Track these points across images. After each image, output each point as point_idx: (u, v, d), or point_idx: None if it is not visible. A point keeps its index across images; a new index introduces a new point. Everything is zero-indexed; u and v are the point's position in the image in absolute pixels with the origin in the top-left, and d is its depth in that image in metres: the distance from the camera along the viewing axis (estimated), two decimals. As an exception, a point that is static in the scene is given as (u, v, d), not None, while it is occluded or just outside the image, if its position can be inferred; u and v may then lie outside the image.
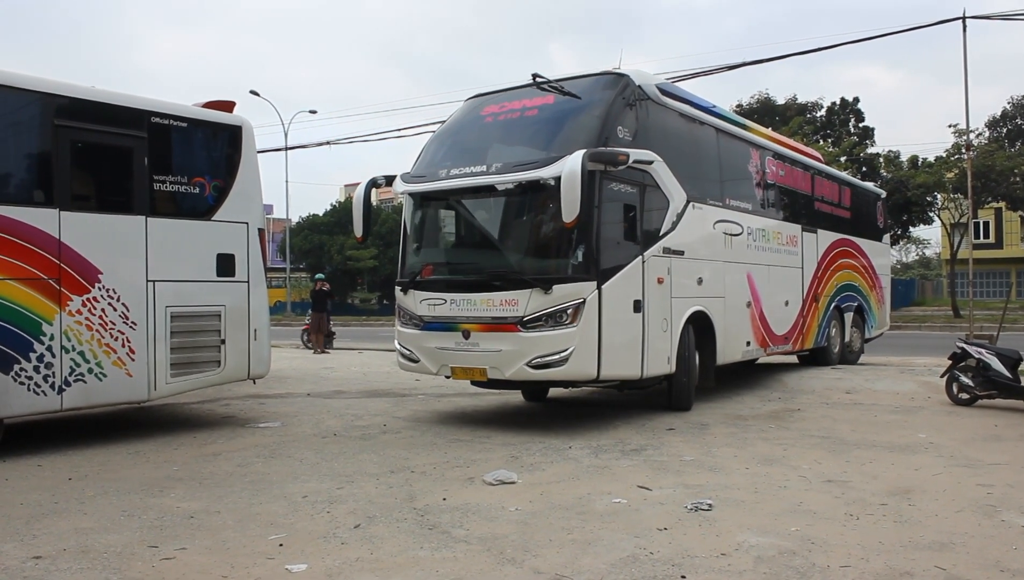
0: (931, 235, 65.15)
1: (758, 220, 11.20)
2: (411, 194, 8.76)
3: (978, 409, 9.60)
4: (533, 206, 8.12)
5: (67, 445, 7.35)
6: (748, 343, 10.78)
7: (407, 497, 5.48)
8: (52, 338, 6.91)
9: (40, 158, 7.04)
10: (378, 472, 6.26)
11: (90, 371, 7.19)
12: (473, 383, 8.48)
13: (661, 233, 8.82)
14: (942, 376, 10.35)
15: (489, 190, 8.12)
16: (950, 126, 41.98)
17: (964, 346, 10.01)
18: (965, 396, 9.89)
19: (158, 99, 7.95)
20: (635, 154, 8.20)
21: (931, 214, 35.90)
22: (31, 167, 7.04)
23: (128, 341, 7.47)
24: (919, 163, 35.09)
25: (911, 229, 39.00)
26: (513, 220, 8.39)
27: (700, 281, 9.54)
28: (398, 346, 8.88)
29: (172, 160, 7.87)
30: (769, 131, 12.21)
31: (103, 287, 7.27)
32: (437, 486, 5.79)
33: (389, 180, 9.00)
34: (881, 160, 37.02)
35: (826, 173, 14.47)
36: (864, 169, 36.19)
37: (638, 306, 8.26)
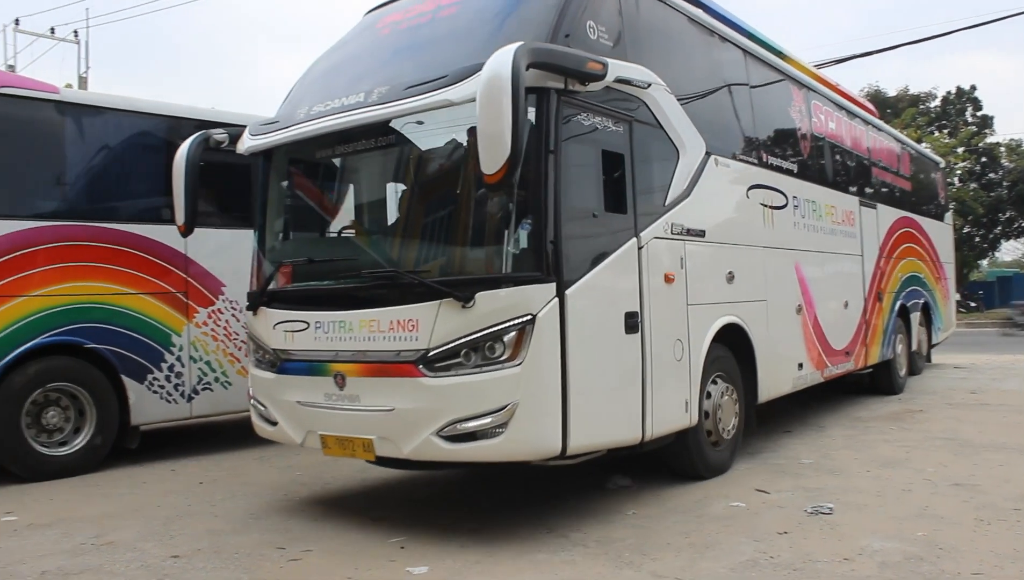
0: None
1: (806, 187, 7.82)
2: (254, 154, 5.45)
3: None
4: (440, 158, 4.79)
5: (198, 451, 7.62)
6: (800, 366, 7.40)
7: (524, 501, 5.46)
8: (181, 349, 7.32)
9: (168, 177, 6.57)
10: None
11: (216, 380, 7.57)
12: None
13: (667, 201, 5.47)
14: None
15: (368, 134, 4.83)
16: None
17: None
18: None
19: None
20: (618, 68, 4.87)
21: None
22: (159, 187, 7.04)
23: None
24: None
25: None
26: (408, 183, 5.03)
27: (731, 277, 6.18)
28: (251, 400, 5.55)
29: None
30: (811, 66, 8.84)
31: (226, 299, 7.64)
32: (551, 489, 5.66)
33: (235, 136, 5.67)
34: (1003, 149, 35.00)
35: (885, 131, 11.08)
36: (984, 159, 34.80)
37: (633, 323, 4.91)
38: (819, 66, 14.15)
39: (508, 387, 4.20)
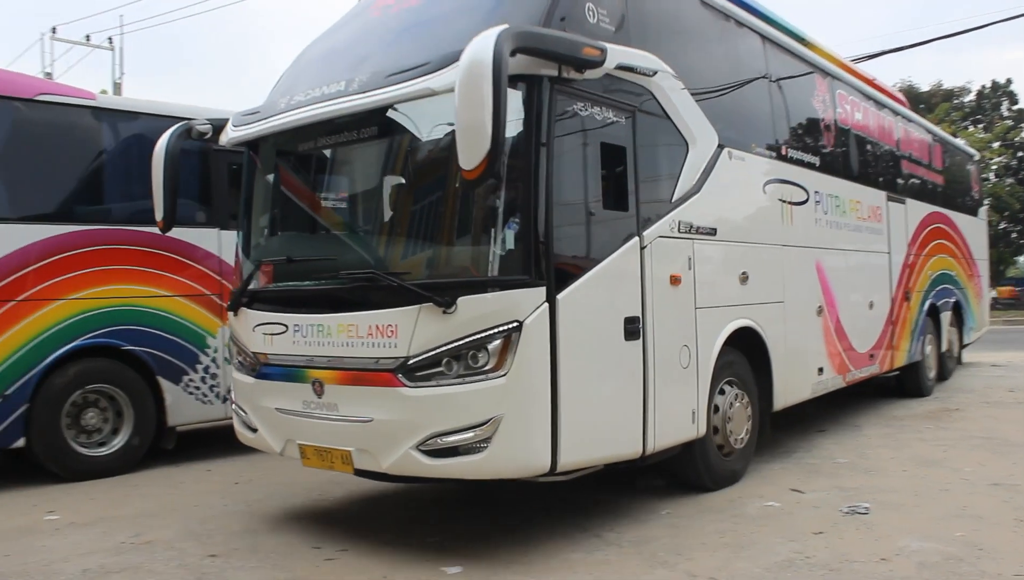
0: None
1: (829, 182, 7.39)
2: (236, 146, 5.16)
3: None
4: (424, 151, 4.46)
5: (233, 452, 7.24)
6: (821, 370, 7.00)
7: (558, 499, 5.35)
8: (216, 350, 7.30)
9: (201, 181, 7.35)
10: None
11: None
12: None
13: (675, 197, 5.11)
14: None
15: (348, 125, 4.52)
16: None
17: None
18: None
19: None
20: (619, 54, 4.52)
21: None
22: (194, 190, 7.22)
23: None
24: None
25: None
26: (390, 179, 4.70)
27: (744, 278, 5.81)
28: (232, 406, 5.28)
29: None
30: (835, 53, 8.38)
31: None
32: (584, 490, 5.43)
33: (219, 126, 5.37)
34: None
35: (916, 122, 10.58)
36: (1020, 154, 34.31)
37: (634, 329, 4.56)
38: (853, 62, 13.65)
39: (492, 399, 3.88)
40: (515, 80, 3.91)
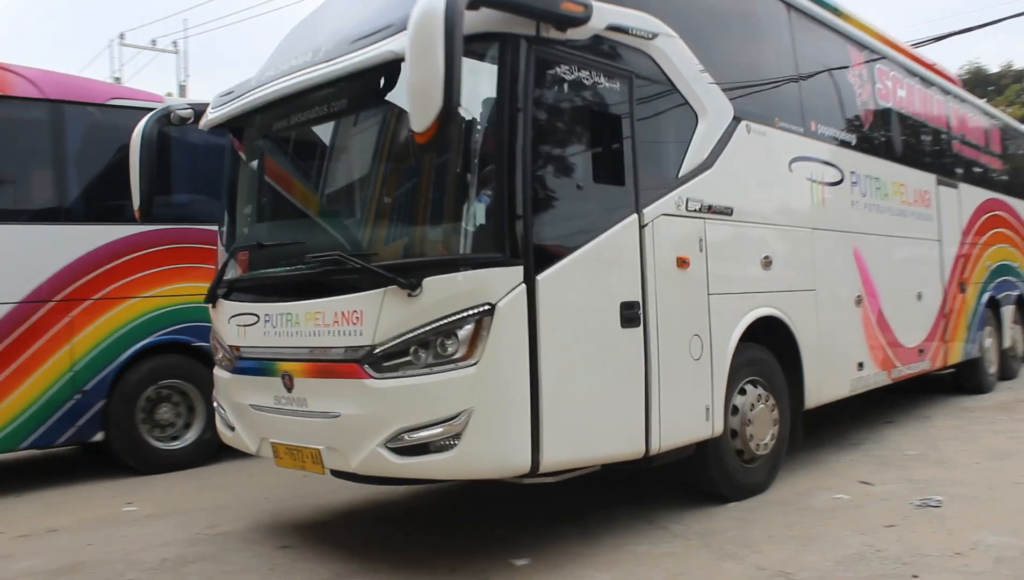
0: None
1: (867, 162, 6.83)
2: (212, 129, 4.88)
3: None
4: (390, 121, 4.08)
5: None
6: (861, 365, 6.42)
7: (624, 491, 5.37)
8: None
9: None
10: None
11: None
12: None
13: (682, 173, 4.66)
14: None
15: (315, 100, 4.20)
16: None
17: None
18: None
19: None
20: (609, 13, 4.11)
21: None
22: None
23: None
24: None
25: None
26: (357, 153, 4.37)
27: (768, 262, 5.32)
28: (214, 403, 5.01)
29: None
30: (877, 27, 7.79)
31: None
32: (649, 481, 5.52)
33: (200, 111, 5.11)
34: None
35: (971, 103, 9.87)
36: None
37: (632, 315, 4.13)
38: (916, 45, 12.89)
39: (461, 391, 3.50)
40: (484, 39, 3.57)
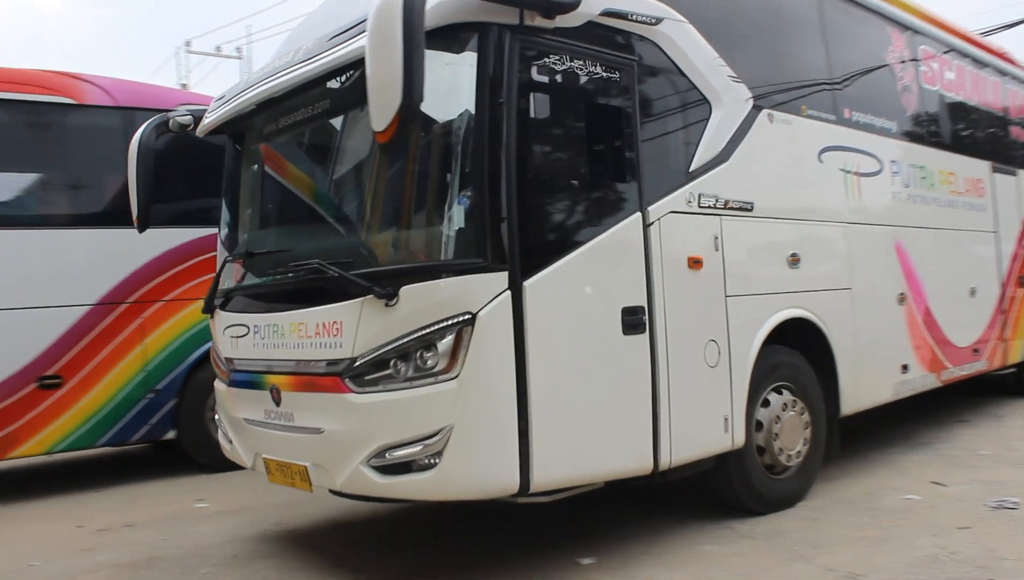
0: None
1: (910, 150, 6.40)
2: (208, 135, 4.76)
3: None
4: (365, 120, 3.88)
5: None
6: (905, 367, 6.00)
7: (689, 488, 4.82)
8: None
9: None
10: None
11: None
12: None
13: (693, 167, 4.35)
14: None
15: (296, 103, 4.05)
16: None
17: None
18: None
19: None
20: (605, -4, 3.84)
21: None
22: None
23: None
24: None
25: None
26: (333, 154, 4.17)
27: (794, 260, 4.97)
28: (215, 417, 4.89)
29: None
30: (920, 6, 7.31)
31: None
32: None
33: (199, 117, 5.00)
34: None
35: (1026, 82, 9.26)
36: None
37: (636, 321, 3.85)
38: (985, 33, 12.17)
39: (441, 407, 3.28)
40: (461, 29, 3.34)
